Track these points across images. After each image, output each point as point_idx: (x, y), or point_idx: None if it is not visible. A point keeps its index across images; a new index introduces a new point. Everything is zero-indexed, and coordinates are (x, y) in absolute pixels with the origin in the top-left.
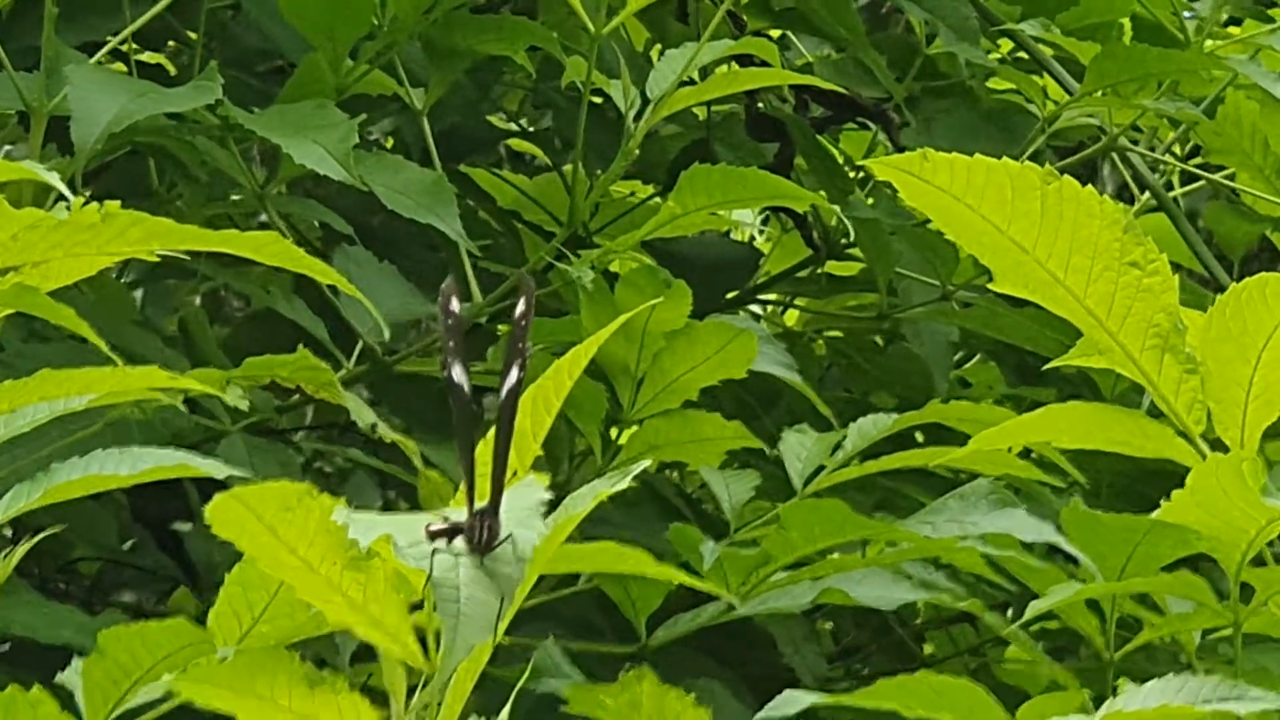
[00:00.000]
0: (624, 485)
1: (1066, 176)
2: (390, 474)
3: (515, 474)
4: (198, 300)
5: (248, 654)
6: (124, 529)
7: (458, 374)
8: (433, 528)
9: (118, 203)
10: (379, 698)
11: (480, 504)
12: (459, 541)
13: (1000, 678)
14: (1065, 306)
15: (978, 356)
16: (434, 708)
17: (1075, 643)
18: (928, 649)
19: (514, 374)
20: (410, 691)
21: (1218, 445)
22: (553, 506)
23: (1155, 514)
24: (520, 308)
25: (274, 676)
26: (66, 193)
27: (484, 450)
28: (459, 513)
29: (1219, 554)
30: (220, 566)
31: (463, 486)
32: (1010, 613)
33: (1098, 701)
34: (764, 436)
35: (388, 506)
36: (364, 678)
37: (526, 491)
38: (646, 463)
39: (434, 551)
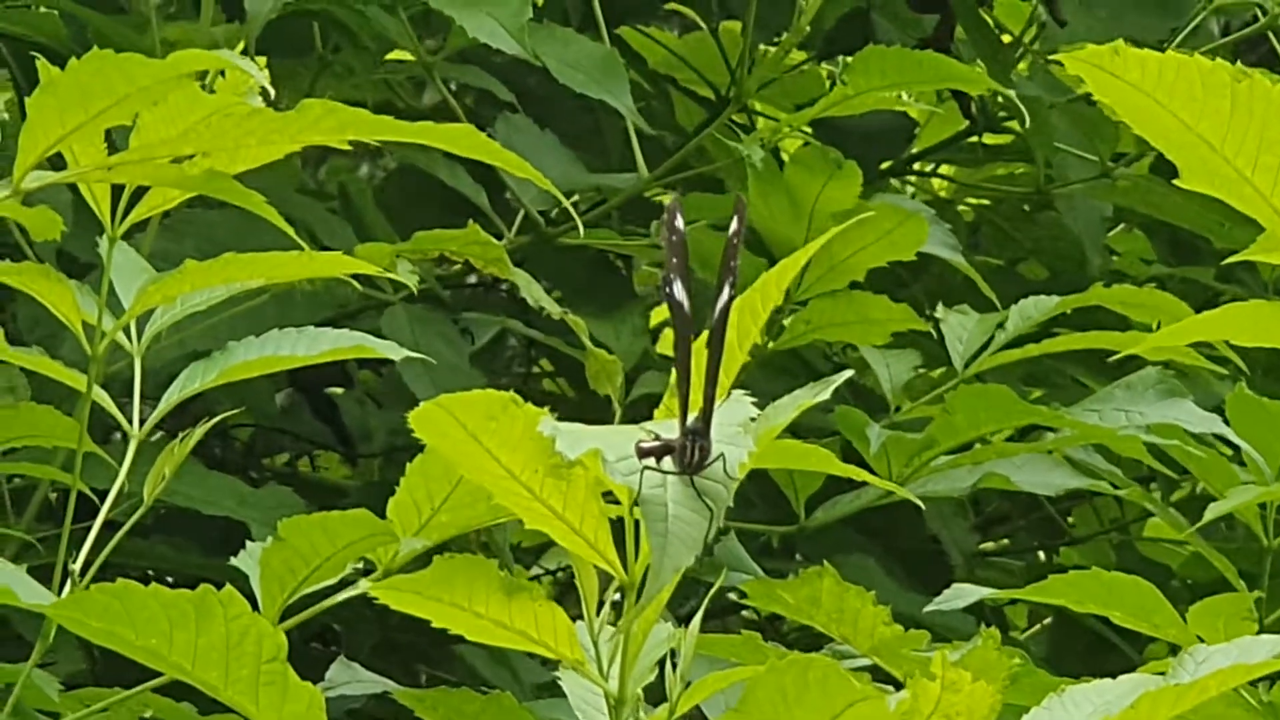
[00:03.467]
0: (826, 396)
1: (1257, 74)
2: (545, 344)
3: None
4: None
5: (445, 561)
6: (276, 388)
7: (678, 291)
8: (644, 445)
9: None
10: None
11: (691, 421)
12: (667, 460)
13: (1143, 552)
14: (1251, 204)
15: (1121, 225)
16: (632, 617)
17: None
18: (1070, 520)
19: (726, 292)
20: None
21: None
22: None
23: None
24: (734, 226)
25: (471, 584)
26: (270, 89)
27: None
28: (668, 427)
29: None
30: (376, 434)
31: (670, 400)
32: (1155, 488)
33: (1250, 586)
34: (913, 305)
35: (529, 364)
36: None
37: (735, 407)
38: (849, 373)
39: (643, 469)
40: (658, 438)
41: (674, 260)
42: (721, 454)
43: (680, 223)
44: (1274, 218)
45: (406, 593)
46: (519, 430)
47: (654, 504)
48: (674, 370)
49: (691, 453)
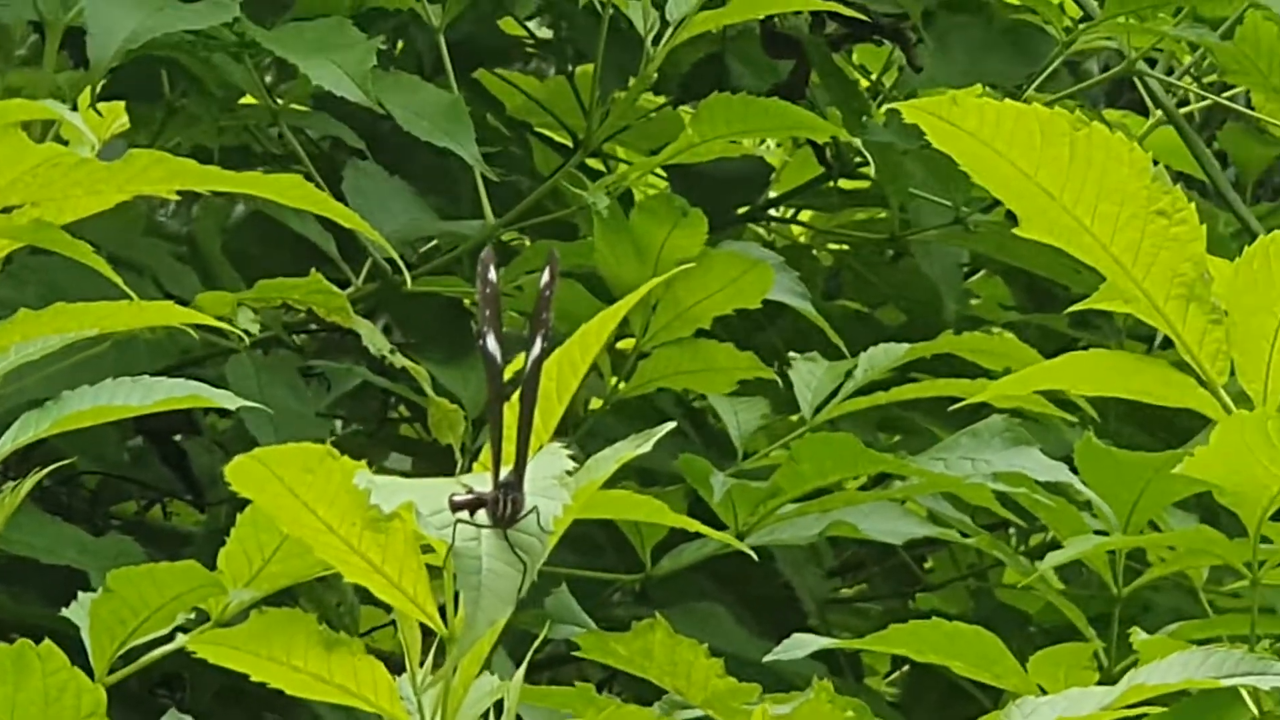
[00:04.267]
0: (647, 448)
1: (1096, 123)
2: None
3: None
4: None
5: (264, 616)
6: (124, 435)
7: (491, 344)
8: (456, 498)
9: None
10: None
11: (504, 473)
12: (481, 513)
13: (1000, 598)
14: (1091, 253)
15: (983, 271)
16: (450, 671)
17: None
18: (929, 564)
19: (538, 345)
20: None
21: (1240, 396)
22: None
23: (1178, 468)
24: (545, 279)
25: (290, 638)
26: (94, 140)
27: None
28: (483, 479)
29: (1240, 509)
30: (223, 481)
31: (486, 447)
32: (1012, 532)
33: (1103, 629)
34: (769, 349)
35: (386, 408)
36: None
37: (550, 460)
38: (671, 425)
39: (456, 522)
40: (471, 491)
41: (488, 313)
42: (535, 507)
43: (493, 275)
44: (1113, 267)
45: (225, 647)
46: (336, 483)
47: (467, 558)
48: (488, 424)
49: (504, 506)
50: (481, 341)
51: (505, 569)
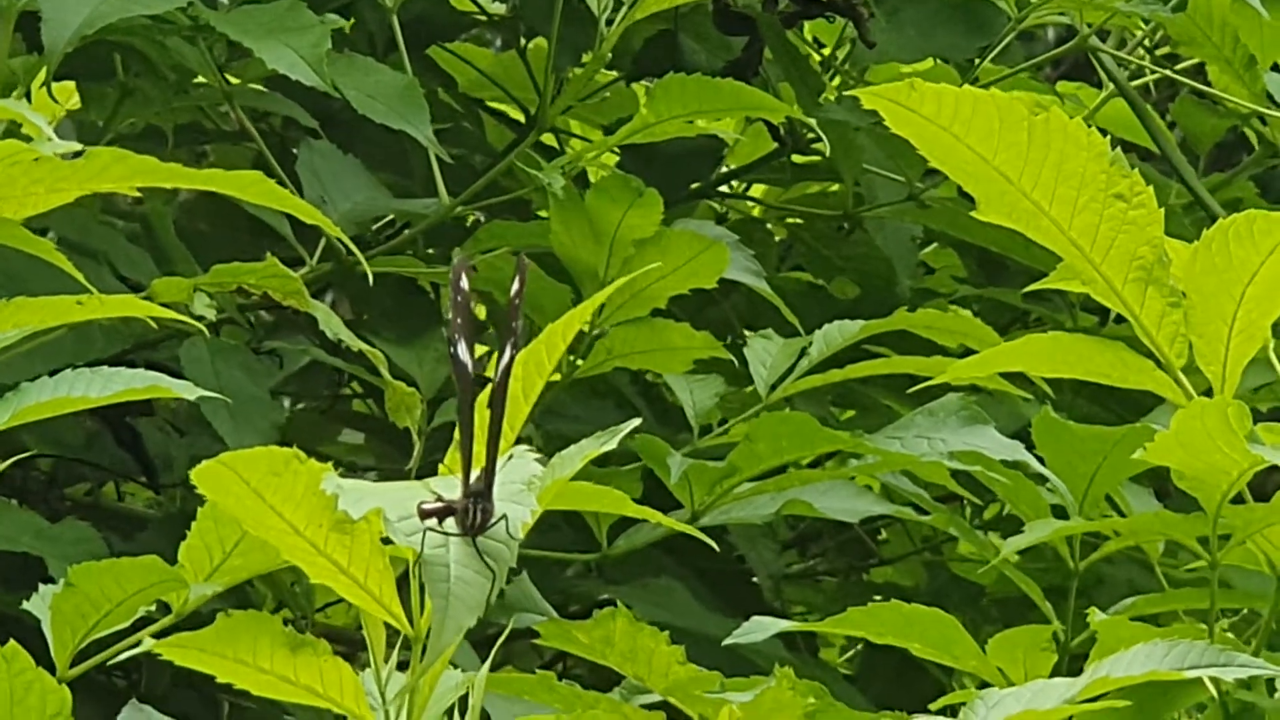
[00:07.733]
0: (613, 445)
1: (1054, 107)
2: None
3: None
4: None
5: (230, 618)
6: (79, 417)
7: (463, 352)
8: (425, 506)
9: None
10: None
11: (473, 479)
12: (450, 521)
13: (954, 571)
14: (1049, 236)
15: (935, 244)
16: (415, 670)
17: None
18: (883, 537)
19: (507, 353)
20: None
21: (1193, 370)
22: None
23: (1138, 454)
24: (515, 287)
25: (255, 640)
26: (58, 142)
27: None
28: (450, 484)
29: (1199, 493)
30: (178, 462)
31: (453, 457)
32: (965, 505)
33: (1058, 602)
34: (722, 323)
35: (338, 385)
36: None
37: (519, 465)
38: (636, 422)
39: (425, 529)
40: (440, 498)
41: (459, 321)
42: (504, 515)
43: (465, 284)
44: (1071, 250)
45: (190, 649)
46: (302, 486)
47: (436, 565)
48: (457, 429)
49: (473, 515)
50: (453, 349)
51: (474, 576)
